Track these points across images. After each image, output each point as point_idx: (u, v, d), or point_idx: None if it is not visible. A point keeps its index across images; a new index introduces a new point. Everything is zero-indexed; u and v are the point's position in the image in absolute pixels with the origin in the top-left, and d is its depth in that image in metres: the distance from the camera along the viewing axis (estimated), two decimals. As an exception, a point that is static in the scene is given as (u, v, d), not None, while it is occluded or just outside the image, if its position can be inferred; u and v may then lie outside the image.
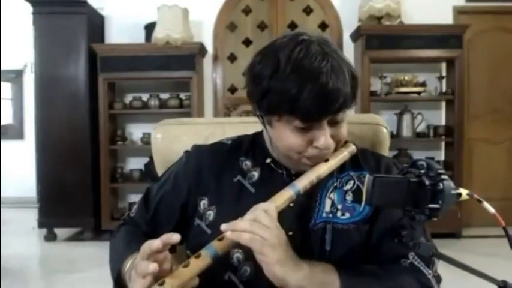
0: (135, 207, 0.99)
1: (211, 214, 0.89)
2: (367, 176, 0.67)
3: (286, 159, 0.88)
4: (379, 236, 0.84)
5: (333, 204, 0.86)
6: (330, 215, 0.85)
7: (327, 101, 0.76)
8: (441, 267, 0.82)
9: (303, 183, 0.82)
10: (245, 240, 0.71)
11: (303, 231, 0.84)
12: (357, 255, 0.83)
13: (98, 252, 3.68)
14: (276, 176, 0.89)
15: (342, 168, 0.89)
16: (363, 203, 0.84)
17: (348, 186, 0.88)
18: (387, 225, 0.83)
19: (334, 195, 0.87)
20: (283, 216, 0.79)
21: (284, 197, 0.80)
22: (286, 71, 0.77)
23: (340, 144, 0.87)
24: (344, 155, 0.87)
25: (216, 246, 0.74)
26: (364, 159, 0.92)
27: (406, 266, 0.80)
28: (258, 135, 0.98)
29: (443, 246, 0.89)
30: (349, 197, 0.87)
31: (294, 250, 0.77)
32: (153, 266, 0.68)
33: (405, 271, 0.80)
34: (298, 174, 0.85)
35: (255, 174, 0.91)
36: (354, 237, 0.84)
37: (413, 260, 0.80)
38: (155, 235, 0.72)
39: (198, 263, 0.72)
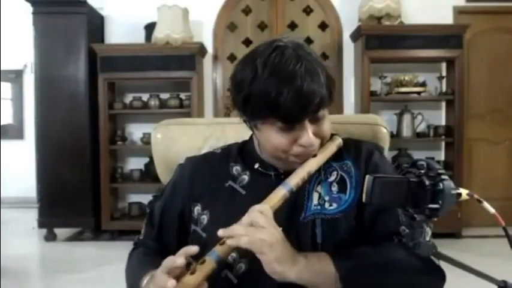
0: (142, 230, 1.04)
1: (204, 218, 0.93)
2: (367, 176, 0.67)
3: (275, 160, 0.91)
4: (371, 217, 0.88)
5: (320, 196, 0.90)
6: (319, 207, 0.89)
7: (304, 102, 0.81)
8: (441, 267, 0.82)
9: (294, 180, 0.85)
10: (244, 244, 0.75)
11: (293, 226, 0.87)
12: (347, 241, 0.86)
13: (98, 252, 3.69)
14: (265, 177, 0.93)
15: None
16: (347, 192, 0.90)
17: (332, 178, 0.92)
18: (377, 207, 0.87)
19: (320, 188, 0.91)
20: (274, 214, 0.82)
21: (278, 196, 0.83)
22: (264, 76, 0.81)
23: (325, 140, 0.91)
24: (331, 148, 0.91)
25: (218, 250, 0.77)
26: (346, 148, 0.95)
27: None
28: (246, 143, 1.02)
29: (443, 246, 0.89)
30: (334, 188, 0.91)
31: None
32: (171, 283, 0.72)
33: (398, 247, 0.81)
34: (287, 173, 0.89)
35: (245, 177, 0.95)
36: (342, 225, 0.87)
37: (403, 233, 0.81)
38: (165, 249, 0.75)
39: (204, 268, 0.75)
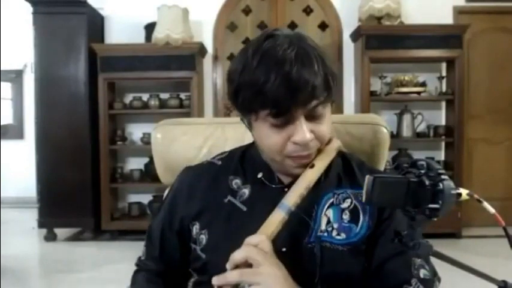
0: (143, 249, 0.98)
1: (203, 238, 0.86)
2: (367, 176, 0.67)
3: (273, 163, 0.85)
4: (381, 261, 0.81)
5: (328, 222, 0.83)
6: (325, 234, 0.81)
7: (293, 89, 0.73)
8: (441, 267, 0.81)
9: (292, 199, 0.77)
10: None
11: (295, 248, 0.79)
12: (350, 277, 0.80)
13: (98, 252, 3.69)
14: (267, 190, 0.86)
15: (339, 184, 0.87)
16: (359, 224, 0.83)
17: (345, 205, 0.85)
18: (388, 250, 0.81)
19: (330, 213, 0.83)
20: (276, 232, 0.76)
21: (275, 221, 0.75)
22: (253, 64, 0.75)
23: (323, 144, 0.82)
24: (330, 154, 0.84)
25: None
26: (362, 176, 0.87)
27: None
28: (249, 148, 0.94)
29: (443, 246, 0.89)
30: (346, 216, 0.83)
31: (286, 267, 0.73)
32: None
33: None
34: (292, 185, 0.81)
35: (246, 191, 0.87)
36: (348, 259, 0.81)
37: (415, 286, 0.79)
38: (168, 268, 0.70)
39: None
